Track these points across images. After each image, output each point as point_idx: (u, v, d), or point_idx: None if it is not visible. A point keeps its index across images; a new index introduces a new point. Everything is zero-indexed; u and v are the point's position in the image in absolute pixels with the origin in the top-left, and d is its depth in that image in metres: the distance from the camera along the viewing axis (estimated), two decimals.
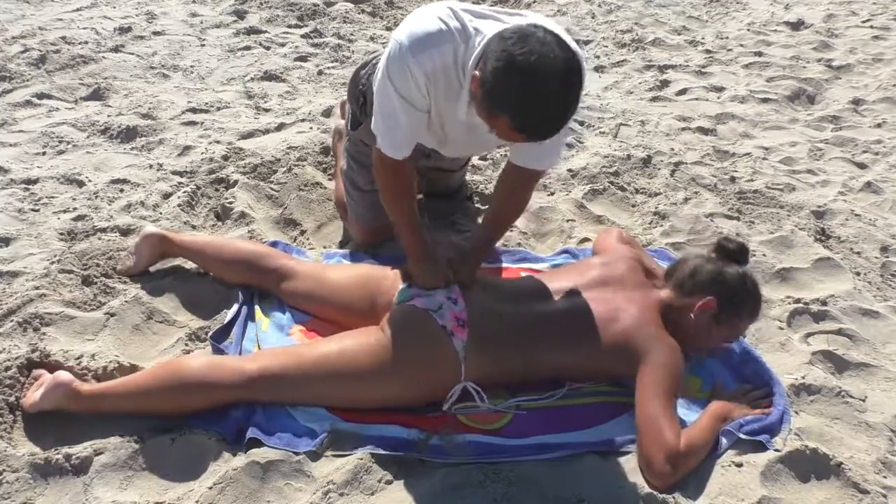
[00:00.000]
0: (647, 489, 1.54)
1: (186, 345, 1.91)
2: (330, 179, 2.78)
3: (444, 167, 2.40)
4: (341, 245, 2.43)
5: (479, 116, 1.61)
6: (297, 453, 1.59)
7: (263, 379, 1.67)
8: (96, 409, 1.65)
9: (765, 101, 3.79)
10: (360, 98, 2.17)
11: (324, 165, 2.83)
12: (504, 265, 2.30)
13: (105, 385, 1.68)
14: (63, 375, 1.65)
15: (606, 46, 4.51)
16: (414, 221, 1.96)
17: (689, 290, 1.85)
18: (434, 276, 1.86)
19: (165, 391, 1.65)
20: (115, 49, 3.88)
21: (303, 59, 4.00)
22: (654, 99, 3.77)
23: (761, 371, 1.90)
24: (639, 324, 1.76)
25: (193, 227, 2.43)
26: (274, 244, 2.29)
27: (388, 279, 1.95)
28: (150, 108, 3.23)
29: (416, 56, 1.66)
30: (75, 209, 2.44)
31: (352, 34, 4.44)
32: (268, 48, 4.12)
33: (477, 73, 1.53)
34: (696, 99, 3.77)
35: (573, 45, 1.53)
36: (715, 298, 1.81)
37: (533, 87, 1.44)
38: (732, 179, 2.95)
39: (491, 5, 5.18)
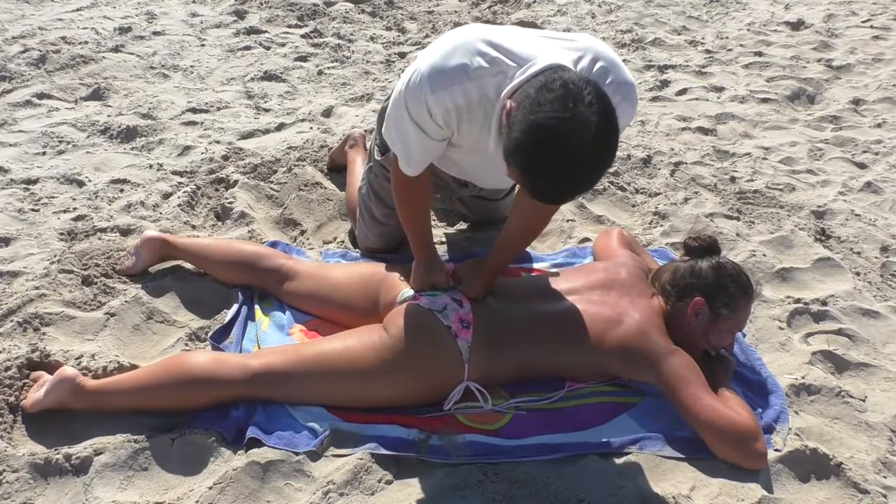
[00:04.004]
0: (647, 489, 1.54)
1: (186, 345, 1.91)
2: (327, 177, 2.78)
3: (486, 196, 2.36)
4: (342, 245, 2.43)
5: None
6: (297, 453, 1.59)
7: (266, 375, 1.68)
8: (100, 405, 1.65)
9: (765, 101, 3.79)
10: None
11: (323, 164, 2.83)
12: None
13: (109, 380, 1.69)
14: (68, 371, 1.66)
15: None
16: (421, 229, 1.94)
17: (676, 297, 1.84)
18: (423, 281, 1.86)
19: (169, 386, 1.65)
20: (115, 49, 3.88)
21: (303, 59, 4.00)
22: (654, 99, 3.77)
23: (759, 371, 1.90)
24: (643, 329, 1.76)
25: (193, 227, 2.43)
26: (274, 244, 2.30)
27: (390, 278, 1.95)
28: (150, 108, 3.23)
29: (436, 93, 1.58)
30: (75, 209, 2.44)
31: (352, 34, 4.44)
32: (268, 48, 4.12)
33: (510, 104, 1.42)
34: (696, 99, 3.77)
35: (619, 108, 1.40)
36: (702, 297, 1.80)
37: (553, 161, 1.32)
38: (732, 179, 2.95)
39: (491, 5, 5.18)
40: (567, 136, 1.30)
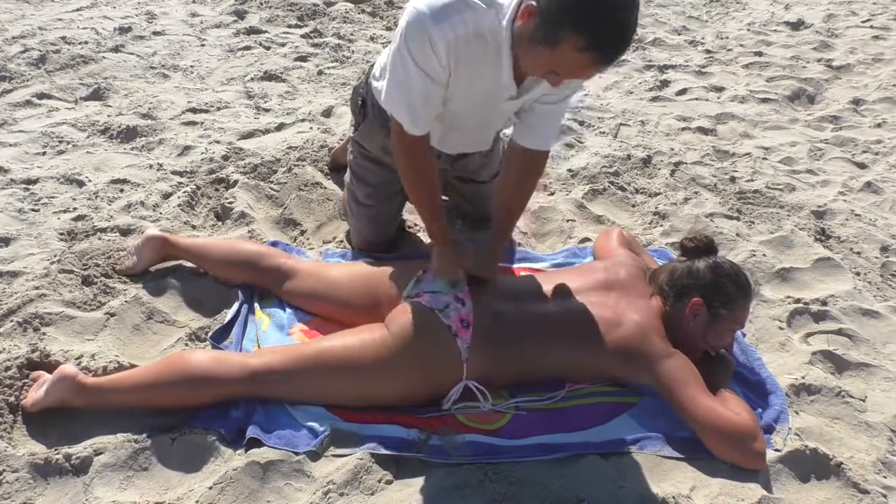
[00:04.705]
0: (647, 489, 1.54)
1: (186, 345, 1.91)
2: (327, 177, 2.78)
3: (470, 176, 2.36)
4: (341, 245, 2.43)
5: (530, 62, 1.57)
6: (297, 453, 1.59)
7: (266, 373, 1.68)
8: (100, 402, 1.65)
9: (765, 101, 3.79)
10: (358, 101, 2.18)
11: (323, 164, 2.83)
12: (503, 264, 2.29)
13: (109, 378, 1.69)
14: (68, 368, 1.66)
15: None
16: (435, 206, 1.92)
17: (674, 298, 1.84)
18: (452, 263, 1.85)
19: (169, 384, 1.65)
20: (115, 49, 3.88)
21: (303, 59, 4.00)
22: (654, 99, 3.77)
23: (759, 371, 1.90)
24: (642, 331, 1.75)
25: (193, 227, 2.43)
26: (274, 244, 2.30)
27: (392, 276, 1.95)
28: (150, 108, 3.23)
29: (438, 23, 1.61)
30: (75, 209, 2.44)
31: (352, 34, 4.44)
32: (268, 48, 4.12)
33: (532, 3, 1.47)
34: (696, 99, 3.77)
35: None
36: (699, 297, 1.80)
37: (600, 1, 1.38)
38: (732, 179, 2.95)
39: None
40: None
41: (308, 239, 2.45)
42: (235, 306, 2.02)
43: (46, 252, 2.20)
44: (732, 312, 1.81)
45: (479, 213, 2.50)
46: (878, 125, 3.57)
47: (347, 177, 2.34)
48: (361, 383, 1.71)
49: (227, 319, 1.98)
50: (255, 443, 1.61)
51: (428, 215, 1.93)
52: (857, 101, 3.80)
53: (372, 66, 2.16)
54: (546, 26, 1.45)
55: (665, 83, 3.96)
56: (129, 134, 3.00)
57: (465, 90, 1.78)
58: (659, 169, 3.00)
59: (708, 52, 4.47)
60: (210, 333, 1.93)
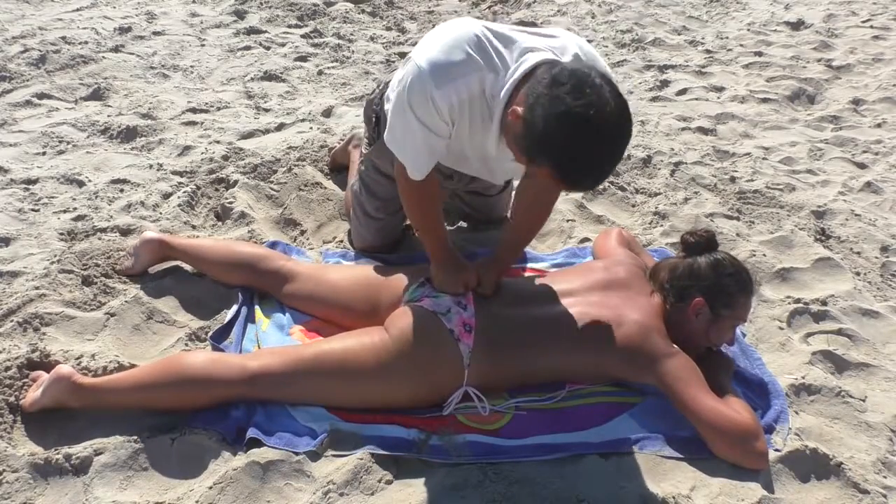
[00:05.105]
0: (647, 489, 1.54)
1: (186, 345, 1.91)
2: (327, 177, 2.78)
3: (481, 191, 2.36)
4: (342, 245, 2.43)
5: (513, 152, 1.55)
6: (297, 453, 1.59)
7: (265, 376, 1.67)
8: (97, 403, 1.65)
9: (765, 101, 3.79)
10: (372, 117, 2.17)
11: (323, 164, 2.83)
12: None
13: (106, 379, 1.69)
14: (64, 369, 1.66)
15: (606, 46, 4.51)
16: (437, 228, 1.93)
17: (676, 297, 1.83)
18: (455, 282, 1.84)
19: (166, 386, 1.65)
20: (115, 49, 3.88)
21: (303, 59, 4.00)
22: (654, 99, 3.77)
23: (759, 371, 1.90)
24: (644, 330, 1.75)
25: (193, 227, 2.43)
26: (274, 244, 2.29)
27: (392, 280, 1.95)
28: (150, 108, 3.23)
29: (441, 87, 1.60)
30: (75, 209, 2.44)
31: (352, 34, 4.44)
32: (268, 48, 4.12)
33: (519, 109, 1.46)
34: (696, 99, 3.77)
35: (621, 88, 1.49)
36: (702, 296, 1.79)
37: (587, 144, 1.38)
38: (732, 179, 2.95)
39: (491, 5, 5.18)
40: (597, 117, 1.36)
41: (308, 239, 2.45)
42: (235, 307, 2.02)
43: (46, 252, 2.20)
44: (734, 310, 1.80)
45: (483, 218, 2.50)
46: (878, 125, 3.57)
47: (356, 185, 2.31)
48: (361, 387, 1.70)
49: (226, 320, 1.98)
50: (256, 443, 1.61)
51: (428, 236, 1.93)
52: (857, 101, 3.80)
53: (387, 84, 2.11)
54: (528, 145, 1.45)
55: (665, 83, 3.96)
56: (129, 134, 3.00)
57: (466, 138, 1.77)
58: (659, 169, 3.00)
59: (708, 52, 4.47)
60: (210, 333, 1.93)
